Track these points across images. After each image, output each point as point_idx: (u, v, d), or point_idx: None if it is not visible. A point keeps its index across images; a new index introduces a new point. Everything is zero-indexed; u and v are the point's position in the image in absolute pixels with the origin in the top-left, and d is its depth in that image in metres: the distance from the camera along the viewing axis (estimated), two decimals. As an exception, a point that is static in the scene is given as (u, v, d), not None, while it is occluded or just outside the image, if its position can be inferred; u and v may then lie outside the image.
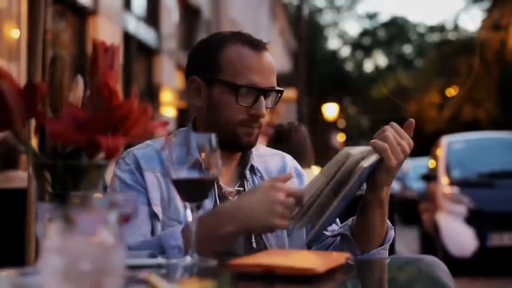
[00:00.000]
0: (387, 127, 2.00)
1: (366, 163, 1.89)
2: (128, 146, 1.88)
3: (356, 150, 1.94)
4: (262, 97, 2.14)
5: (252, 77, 2.13)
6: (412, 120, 2.06)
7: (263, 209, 1.87)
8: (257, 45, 2.18)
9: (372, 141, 1.98)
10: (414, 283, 1.56)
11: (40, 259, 1.09)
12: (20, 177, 4.62)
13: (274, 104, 2.25)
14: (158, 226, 2.08)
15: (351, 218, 2.16)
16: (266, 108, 2.18)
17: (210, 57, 2.17)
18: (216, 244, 1.88)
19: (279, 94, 2.24)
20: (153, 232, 2.08)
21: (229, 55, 2.15)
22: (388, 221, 2.13)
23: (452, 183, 10.42)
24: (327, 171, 1.94)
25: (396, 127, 2.01)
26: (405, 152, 1.99)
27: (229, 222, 1.89)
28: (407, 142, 2.00)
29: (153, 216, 2.08)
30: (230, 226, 1.89)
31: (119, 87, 1.43)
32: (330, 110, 34.16)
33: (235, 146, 2.19)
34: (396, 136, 1.98)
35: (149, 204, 2.08)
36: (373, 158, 1.92)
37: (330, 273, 1.50)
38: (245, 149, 2.22)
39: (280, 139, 4.31)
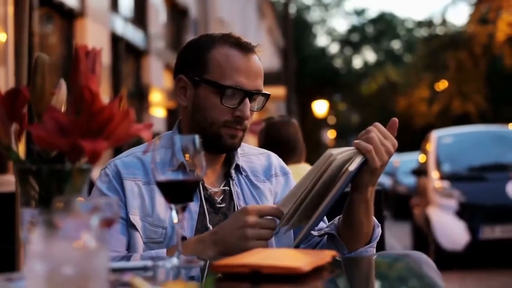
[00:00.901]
0: (371, 128, 2.00)
1: (352, 167, 1.89)
2: (118, 150, 1.88)
3: (339, 151, 1.94)
4: (247, 99, 2.15)
5: (238, 79, 2.14)
6: (396, 119, 2.06)
7: (234, 234, 1.95)
8: (245, 48, 2.18)
9: (355, 141, 1.98)
10: (402, 279, 1.56)
11: (25, 264, 1.09)
12: (8, 181, 4.61)
13: (260, 108, 2.26)
14: (136, 235, 2.09)
15: (337, 217, 2.17)
16: (251, 111, 2.18)
17: (197, 58, 2.18)
18: None
19: (266, 98, 2.25)
20: (129, 243, 2.09)
21: (216, 56, 2.16)
22: (374, 219, 2.14)
23: (443, 177, 10.44)
24: (310, 174, 1.95)
25: (380, 128, 2.01)
26: (389, 152, 1.99)
27: (209, 248, 1.97)
28: (391, 143, 2.00)
29: (130, 226, 2.09)
30: (211, 252, 1.97)
31: (102, 90, 1.43)
32: (320, 107, 34.14)
33: (219, 148, 2.19)
34: (380, 136, 1.99)
35: (126, 213, 2.09)
36: (358, 160, 1.93)
37: (317, 271, 1.51)
38: (229, 150, 2.22)
39: (271, 133, 4.29)
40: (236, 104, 2.14)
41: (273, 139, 4.22)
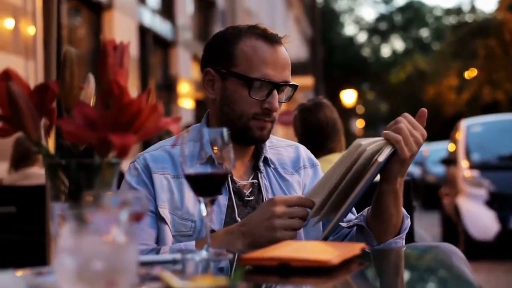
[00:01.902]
0: (400, 118, 1.99)
1: (381, 158, 1.88)
2: (146, 143, 1.89)
3: (368, 141, 1.93)
4: (275, 91, 2.15)
5: (266, 71, 2.13)
6: (425, 109, 2.05)
7: (262, 225, 1.96)
8: (272, 39, 2.18)
9: (384, 132, 1.97)
10: (431, 271, 1.55)
11: (55, 259, 1.10)
12: (38, 174, 4.65)
13: (288, 99, 2.26)
14: (166, 229, 2.10)
15: (366, 209, 2.16)
16: (280, 102, 2.18)
17: (225, 50, 2.18)
18: None
19: (293, 89, 2.24)
20: (158, 236, 2.10)
21: (243, 49, 2.16)
22: (404, 210, 2.12)
23: (472, 166, 10.37)
24: (339, 165, 1.94)
25: (409, 118, 2.00)
26: (418, 143, 1.98)
27: (239, 240, 1.99)
28: (420, 133, 1.99)
29: (159, 219, 2.10)
30: (239, 244, 1.98)
31: (130, 83, 1.43)
32: (348, 97, 34.08)
33: (248, 140, 2.19)
34: (409, 127, 1.97)
35: (155, 206, 2.10)
36: (387, 151, 1.92)
37: (346, 264, 1.50)
38: (257, 142, 2.22)
39: (307, 118, 4.17)
40: (264, 96, 2.14)
41: (310, 123, 4.13)
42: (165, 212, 2.10)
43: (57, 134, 2.09)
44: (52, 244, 2.97)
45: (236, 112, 2.16)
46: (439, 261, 1.68)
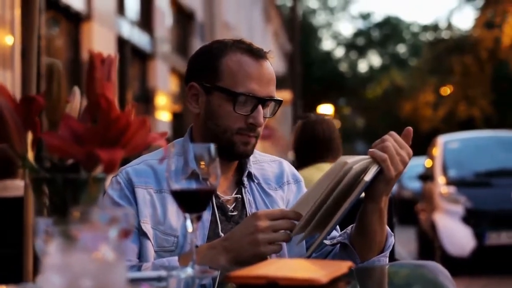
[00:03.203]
0: (387, 137, 1.98)
1: (368, 177, 1.87)
2: (125, 159, 1.87)
3: (354, 160, 1.91)
4: (260, 106, 2.14)
5: (251, 86, 2.12)
6: (410, 128, 2.04)
7: (245, 240, 1.94)
8: (257, 54, 2.17)
9: (370, 150, 1.96)
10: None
11: (41, 276, 1.07)
12: (17, 186, 4.59)
13: (273, 114, 2.25)
14: (148, 244, 2.07)
15: (350, 226, 2.15)
16: (264, 117, 2.17)
17: (210, 65, 2.17)
18: None
19: (278, 104, 2.23)
20: (140, 251, 2.07)
21: (229, 63, 2.14)
22: (387, 228, 2.11)
23: (449, 182, 10.43)
24: (323, 182, 1.93)
25: (395, 137, 1.98)
26: (404, 162, 1.96)
27: (222, 256, 1.96)
28: (406, 152, 1.97)
29: (142, 234, 2.07)
30: (222, 259, 1.95)
31: (116, 99, 1.41)
32: (325, 111, 34.14)
33: (232, 155, 2.17)
34: (395, 145, 1.96)
35: (138, 221, 2.07)
36: (373, 170, 1.90)
37: (334, 282, 1.49)
38: (242, 157, 2.21)
39: (307, 131, 4.22)
40: (249, 111, 2.13)
41: (309, 137, 4.18)
42: (147, 227, 2.07)
43: (38, 147, 2.07)
44: (30, 258, 2.93)
45: (221, 127, 2.14)
46: (427, 281, 1.67)
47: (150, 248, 2.06)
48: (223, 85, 2.14)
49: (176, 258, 2.00)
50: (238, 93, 2.11)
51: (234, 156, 2.19)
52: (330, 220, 1.92)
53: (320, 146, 4.14)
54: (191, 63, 2.25)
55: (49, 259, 1.06)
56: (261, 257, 1.91)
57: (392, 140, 1.96)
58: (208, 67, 2.17)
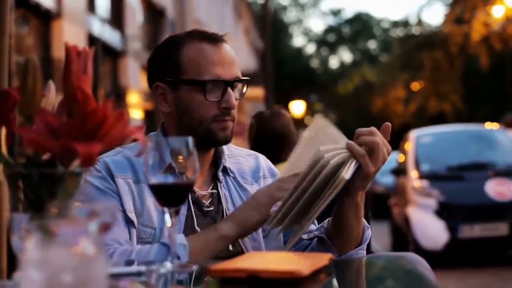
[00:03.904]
0: (376, 131, 1.94)
1: (347, 175, 1.84)
2: (100, 153, 1.85)
3: (331, 153, 1.87)
4: (229, 89, 2.12)
5: (216, 71, 2.11)
6: (389, 124, 2.01)
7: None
8: (214, 39, 2.16)
9: (348, 142, 1.92)
10: (401, 281, 1.54)
11: (19, 272, 1.05)
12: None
13: (242, 95, 2.23)
14: (133, 232, 2.06)
15: (327, 220, 2.14)
16: (236, 99, 2.15)
17: (170, 61, 2.15)
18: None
19: (245, 84, 2.21)
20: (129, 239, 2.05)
21: (188, 54, 2.13)
22: (364, 221, 2.11)
23: (422, 176, 10.48)
24: (300, 174, 1.91)
25: (379, 133, 1.96)
26: (384, 159, 1.94)
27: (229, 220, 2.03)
28: (386, 149, 1.95)
29: (129, 222, 2.05)
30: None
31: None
32: (297, 107, 34.22)
33: (212, 143, 2.17)
34: (385, 142, 1.94)
35: (123, 210, 2.05)
36: (352, 166, 1.87)
37: (315, 274, 1.48)
38: (223, 144, 2.19)
39: (263, 126, 4.17)
40: (220, 97, 2.11)
41: (265, 133, 4.11)
42: (132, 216, 2.05)
43: (12, 143, 2.04)
44: (4, 256, 2.89)
45: (196, 119, 2.12)
46: (406, 271, 1.67)
47: (134, 237, 2.05)
48: (188, 77, 2.12)
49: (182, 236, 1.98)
50: (205, 81, 2.10)
51: (215, 144, 2.18)
52: (308, 214, 1.91)
53: (277, 141, 4.07)
54: (151, 64, 2.23)
55: (27, 255, 1.04)
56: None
57: (381, 136, 1.94)
58: (169, 64, 2.15)
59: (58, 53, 10.69)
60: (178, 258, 1.86)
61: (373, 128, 1.95)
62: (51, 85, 1.48)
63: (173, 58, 2.14)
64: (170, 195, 1.58)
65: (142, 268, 1.55)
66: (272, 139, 4.07)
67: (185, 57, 2.13)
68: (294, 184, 1.91)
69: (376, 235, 13.25)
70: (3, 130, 1.39)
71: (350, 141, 1.92)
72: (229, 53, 2.17)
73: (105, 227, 1.13)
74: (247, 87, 2.23)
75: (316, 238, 2.16)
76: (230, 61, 2.15)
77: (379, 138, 1.92)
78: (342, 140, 1.94)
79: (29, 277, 1.02)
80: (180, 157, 1.57)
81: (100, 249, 1.05)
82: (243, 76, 2.21)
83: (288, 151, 4.08)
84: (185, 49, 2.14)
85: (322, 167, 1.85)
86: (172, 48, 2.16)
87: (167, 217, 1.57)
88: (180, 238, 1.94)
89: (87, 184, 2.08)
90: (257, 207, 1.99)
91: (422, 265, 1.77)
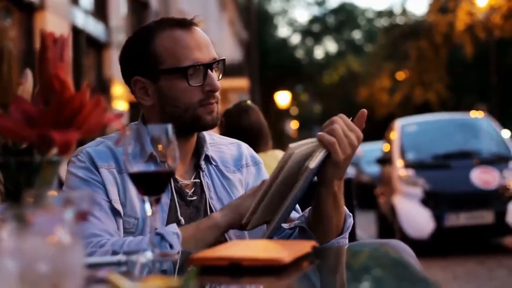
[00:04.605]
0: (335, 119, 1.93)
1: (313, 164, 1.83)
2: (80, 142, 1.82)
3: (299, 144, 1.88)
4: (209, 71, 2.11)
5: (194, 56, 2.10)
6: (365, 110, 2.01)
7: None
8: (186, 24, 2.14)
9: (319, 133, 1.92)
10: (385, 268, 1.52)
11: (-6, 262, 1.03)
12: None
13: (222, 75, 2.20)
14: (120, 222, 2.04)
15: (307, 209, 2.12)
16: (217, 80, 2.14)
17: (145, 53, 2.12)
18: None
19: (223, 64, 2.19)
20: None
21: (163, 44, 2.11)
22: (346, 209, 2.09)
23: (407, 165, 10.49)
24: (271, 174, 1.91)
25: (344, 119, 1.94)
26: (353, 145, 1.92)
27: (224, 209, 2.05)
28: (355, 135, 1.93)
29: (115, 213, 2.04)
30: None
31: (70, 80, 1.37)
32: (283, 98, 34.27)
33: (200, 128, 2.16)
34: (344, 128, 1.92)
35: (109, 200, 2.03)
36: (319, 155, 1.86)
37: (297, 262, 1.46)
38: (210, 127, 2.18)
39: (232, 123, 4.09)
40: (202, 81, 2.09)
41: (234, 129, 4.02)
42: (118, 205, 2.03)
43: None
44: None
45: (180, 107, 2.10)
46: (390, 258, 1.65)
47: (121, 227, 2.03)
48: (167, 67, 2.10)
49: (174, 225, 1.97)
50: (185, 67, 2.08)
51: (202, 128, 2.17)
52: (281, 205, 1.89)
53: (249, 136, 4.01)
54: (125, 59, 2.20)
55: (1, 245, 1.02)
56: None
57: (341, 122, 1.92)
58: (145, 56, 2.12)
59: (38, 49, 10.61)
60: (171, 246, 1.85)
61: (334, 118, 1.94)
62: (28, 73, 1.45)
63: (148, 50, 2.11)
64: (150, 184, 1.57)
65: (122, 257, 1.53)
66: (243, 135, 4.03)
67: (160, 47, 2.10)
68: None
69: (362, 224, 13.29)
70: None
71: (319, 132, 1.92)
72: (202, 36, 2.15)
73: (82, 216, 1.11)
74: (224, 66, 2.21)
75: (297, 228, 2.14)
76: (205, 43, 2.14)
77: (339, 125, 1.91)
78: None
79: (4, 267, 1.00)
80: (160, 145, 1.55)
81: (77, 238, 1.03)
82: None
83: (261, 145, 4.07)
84: (158, 39, 2.11)
85: (287, 158, 1.84)
86: (144, 40, 2.13)
87: (147, 205, 1.55)
88: (173, 227, 1.93)
89: (71, 175, 2.06)
90: (252, 193, 2.00)
91: (406, 252, 1.76)
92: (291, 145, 1.87)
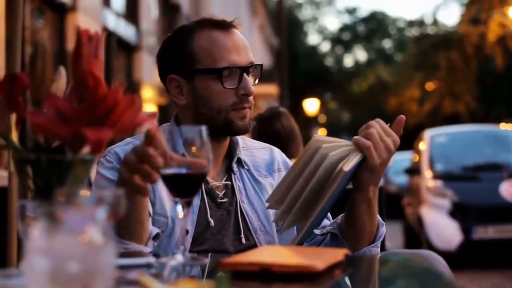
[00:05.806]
0: (372, 123, 1.91)
1: (347, 167, 1.79)
2: (109, 143, 1.80)
3: (330, 145, 1.84)
4: (245, 75, 2.08)
5: (231, 58, 2.08)
6: (403, 116, 1.98)
7: None
8: (224, 25, 2.13)
9: (355, 137, 1.89)
10: (420, 279, 1.49)
11: (24, 260, 1.01)
12: (1, 176, 4.52)
13: (258, 80, 2.17)
14: (150, 221, 2.02)
15: (340, 216, 2.09)
16: (252, 85, 2.11)
17: (182, 52, 2.11)
18: None
19: (260, 69, 2.17)
20: None
21: (201, 44, 2.09)
22: (379, 217, 2.06)
23: (436, 176, 10.40)
24: (297, 166, 1.87)
25: (381, 123, 1.92)
26: (389, 149, 1.89)
27: None
28: (392, 140, 1.90)
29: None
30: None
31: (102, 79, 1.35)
32: (311, 105, 34.18)
33: (231, 133, 2.14)
34: (380, 132, 1.89)
35: None
36: (355, 159, 1.83)
37: (330, 270, 1.43)
38: (242, 133, 2.16)
39: (264, 128, 4.12)
40: (237, 83, 2.07)
41: (267, 134, 4.05)
42: (149, 205, 2.02)
43: (22, 128, 2.00)
44: (14, 246, 2.87)
45: (214, 108, 2.08)
46: (423, 268, 1.62)
47: (151, 226, 2.01)
48: (203, 67, 2.08)
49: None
50: (221, 69, 2.07)
51: (234, 133, 2.15)
52: (314, 209, 1.86)
53: (281, 141, 4.01)
54: (162, 57, 2.19)
55: (32, 242, 1.00)
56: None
57: (377, 126, 1.90)
58: (182, 55, 2.11)
59: (73, 46, 10.66)
60: None
61: (370, 122, 1.92)
62: (62, 70, 1.44)
63: (185, 49, 2.10)
64: (183, 186, 1.55)
65: (152, 260, 1.51)
66: (274, 140, 4.02)
67: (197, 46, 2.09)
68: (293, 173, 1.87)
69: (389, 235, 13.15)
70: (14, 115, 1.35)
71: (356, 136, 1.89)
72: (241, 38, 2.14)
73: (114, 215, 1.09)
74: (261, 72, 2.18)
75: (329, 234, 2.12)
76: (243, 46, 2.12)
77: (375, 129, 1.88)
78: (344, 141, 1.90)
79: (34, 266, 0.98)
80: (194, 147, 1.53)
81: (108, 238, 1.01)
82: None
83: (293, 150, 4.07)
84: (196, 38, 2.10)
85: (321, 157, 1.81)
86: (183, 39, 2.12)
87: (179, 208, 1.53)
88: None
89: (100, 176, 2.05)
90: None
91: (439, 262, 1.73)
92: (317, 137, 1.83)
